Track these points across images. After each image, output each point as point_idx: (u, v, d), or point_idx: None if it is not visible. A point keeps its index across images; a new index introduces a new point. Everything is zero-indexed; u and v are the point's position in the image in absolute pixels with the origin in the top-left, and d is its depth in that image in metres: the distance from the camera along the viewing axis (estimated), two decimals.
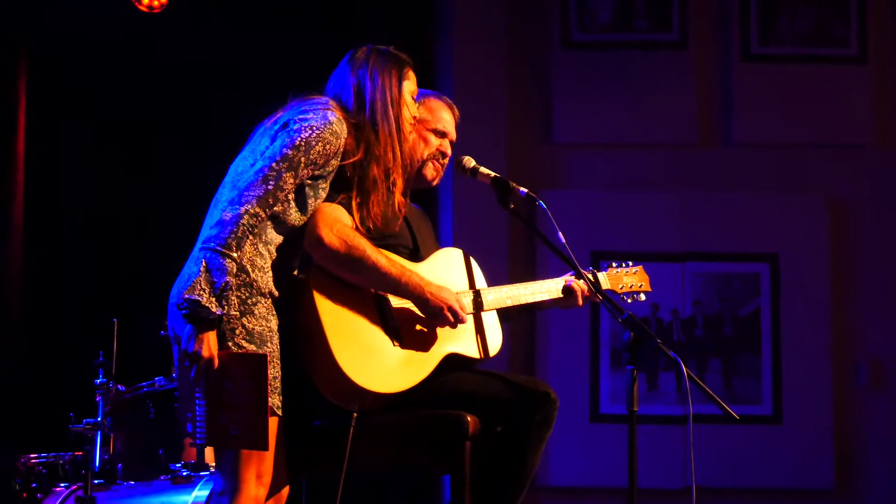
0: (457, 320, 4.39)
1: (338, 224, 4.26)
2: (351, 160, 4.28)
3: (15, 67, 7.70)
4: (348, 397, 4.25)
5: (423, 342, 4.41)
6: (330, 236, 4.23)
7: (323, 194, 4.26)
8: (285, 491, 4.37)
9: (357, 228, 4.31)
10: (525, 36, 7.97)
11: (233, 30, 7.75)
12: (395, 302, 4.39)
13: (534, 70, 7.96)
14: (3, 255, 7.58)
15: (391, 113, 4.35)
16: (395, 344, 4.34)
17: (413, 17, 7.98)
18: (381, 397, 4.29)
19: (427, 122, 4.69)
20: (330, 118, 4.20)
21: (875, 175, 7.91)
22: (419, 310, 4.40)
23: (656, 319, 7.70)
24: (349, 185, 4.33)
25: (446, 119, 4.76)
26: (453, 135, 4.78)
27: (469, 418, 4.40)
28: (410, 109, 4.46)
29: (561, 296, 4.79)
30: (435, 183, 4.79)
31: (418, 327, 4.42)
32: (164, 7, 7.35)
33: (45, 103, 7.74)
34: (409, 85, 4.46)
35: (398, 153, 4.37)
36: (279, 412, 4.06)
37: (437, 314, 4.37)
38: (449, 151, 4.76)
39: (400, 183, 4.43)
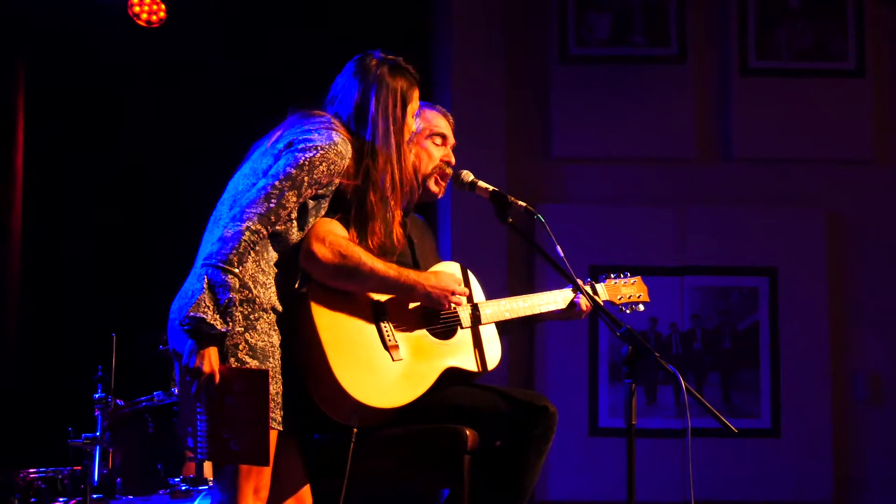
0: (462, 298, 4.43)
1: (330, 236, 4.25)
2: (351, 182, 4.27)
3: (14, 80, 7.71)
4: (348, 413, 4.24)
5: (422, 356, 4.40)
6: (322, 249, 4.22)
7: (322, 213, 4.26)
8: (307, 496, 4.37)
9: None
10: (523, 51, 7.97)
11: (230, 41, 7.77)
12: (394, 316, 4.39)
13: (532, 85, 7.96)
14: (1, 270, 7.58)
15: (392, 140, 4.31)
16: (394, 359, 4.33)
17: (411, 32, 8.00)
18: (381, 412, 4.28)
19: (424, 130, 4.68)
20: (335, 138, 4.18)
21: (873, 189, 7.91)
22: (423, 304, 4.40)
23: (655, 333, 7.70)
24: (347, 205, 4.32)
25: (443, 124, 4.74)
26: (452, 139, 4.76)
27: (468, 432, 4.40)
28: (409, 129, 4.44)
29: (561, 307, 4.79)
30: (440, 196, 4.79)
31: (417, 342, 4.42)
32: (162, 22, 7.37)
33: (43, 117, 7.75)
34: (413, 106, 4.42)
35: (397, 181, 4.33)
36: (280, 427, 4.06)
37: (442, 302, 4.40)
38: (453, 160, 4.74)
39: (398, 213, 4.42)
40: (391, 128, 4.31)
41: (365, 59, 4.41)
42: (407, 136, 4.40)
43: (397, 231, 4.41)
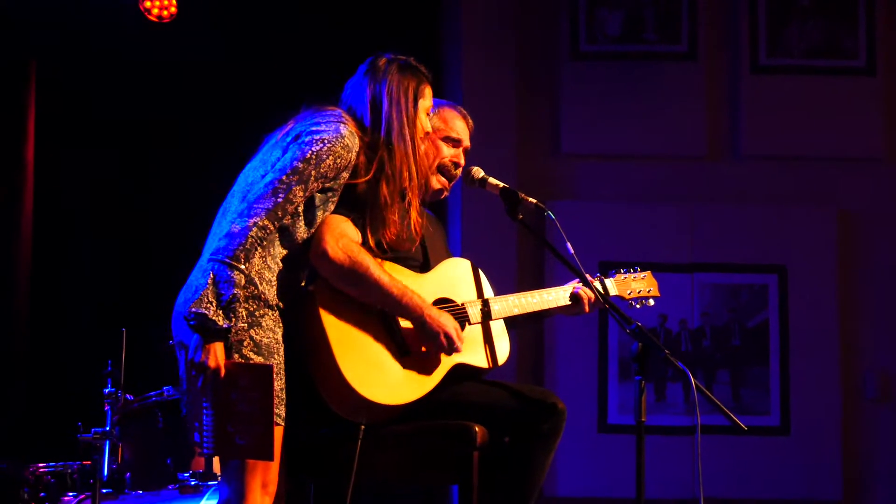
0: (451, 348, 4.38)
1: (344, 238, 4.25)
2: (363, 178, 4.27)
3: (25, 81, 7.72)
4: (356, 410, 4.24)
5: (430, 353, 4.40)
6: (335, 250, 4.22)
7: (331, 207, 4.26)
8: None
9: (366, 244, 4.31)
10: (534, 47, 7.97)
11: (241, 38, 7.78)
12: None
13: (543, 81, 7.95)
14: (11, 265, 7.60)
15: (407, 133, 4.33)
16: (402, 356, 4.33)
17: (421, 28, 8.00)
18: (389, 409, 4.28)
19: (440, 131, 4.68)
20: (342, 131, 4.19)
21: (884, 187, 7.90)
22: (417, 331, 4.38)
23: (664, 330, 7.70)
24: (361, 203, 4.32)
25: (460, 128, 4.75)
26: (467, 143, 4.78)
27: (477, 429, 4.40)
28: (423, 126, 4.45)
29: (568, 303, 4.79)
30: (444, 194, 4.79)
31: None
32: (173, 17, 7.36)
33: (53, 115, 7.76)
34: (425, 102, 4.44)
35: (414, 173, 4.35)
36: (283, 422, 4.07)
37: (434, 338, 4.35)
38: (462, 161, 4.75)
39: (416, 203, 4.43)
40: (405, 122, 4.33)
41: (376, 59, 4.44)
42: (421, 133, 4.41)
43: (415, 220, 4.42)
